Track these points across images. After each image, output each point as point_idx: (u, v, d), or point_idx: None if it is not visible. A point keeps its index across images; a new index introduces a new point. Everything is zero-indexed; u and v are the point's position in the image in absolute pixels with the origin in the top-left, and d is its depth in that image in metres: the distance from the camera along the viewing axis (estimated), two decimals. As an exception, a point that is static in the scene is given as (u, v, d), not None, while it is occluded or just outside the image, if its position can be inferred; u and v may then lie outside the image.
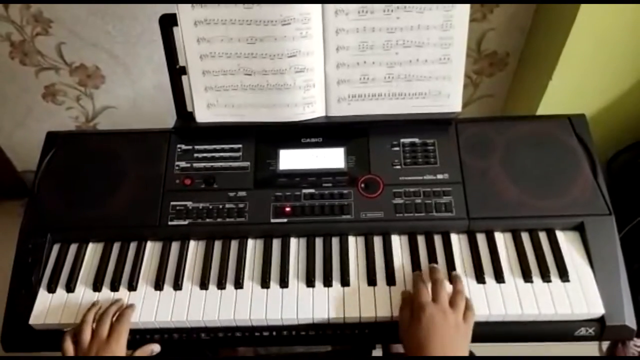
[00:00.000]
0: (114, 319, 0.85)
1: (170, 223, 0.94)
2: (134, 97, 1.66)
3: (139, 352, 0.87)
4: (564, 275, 0.87)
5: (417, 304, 0.81)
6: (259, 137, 1.00)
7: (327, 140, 0.99)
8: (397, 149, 0.98)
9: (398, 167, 0.96)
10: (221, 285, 0.89)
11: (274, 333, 0.88)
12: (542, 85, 1.38)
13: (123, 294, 0.90)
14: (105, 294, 0.90)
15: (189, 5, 0.88)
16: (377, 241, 0.93)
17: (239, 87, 0.95)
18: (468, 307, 0.82)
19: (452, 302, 0.81)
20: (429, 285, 0.84)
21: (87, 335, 0.82)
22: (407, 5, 0.89)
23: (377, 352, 1.30)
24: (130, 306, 0.87)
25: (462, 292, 0.83)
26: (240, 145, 0.99)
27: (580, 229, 0.91)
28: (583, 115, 0.99)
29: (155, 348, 0.88)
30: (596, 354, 1.60)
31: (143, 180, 0.97)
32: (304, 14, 0.88)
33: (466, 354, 0.79)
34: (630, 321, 0.85)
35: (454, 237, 0.93)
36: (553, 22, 1.33)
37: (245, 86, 0.95)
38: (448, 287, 0.84)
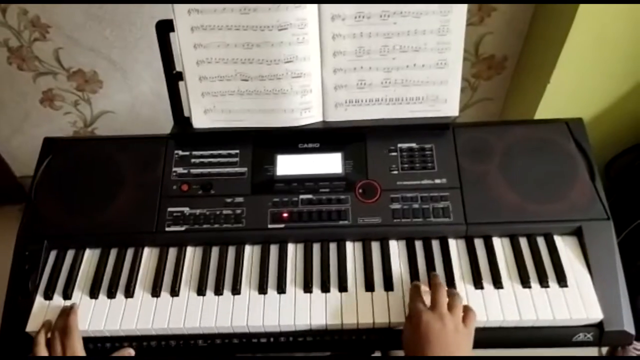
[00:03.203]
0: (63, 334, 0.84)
1: (167, 229, 0.93)
2: (132, 102, 1.66)
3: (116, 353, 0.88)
4: (562, 280, 0.87)
5: (413, 313, 0.81)
6: (256, 142, 1.00)
7: (325, 145, 0.99)
8: (394, 153, 0.97)
9: (395, 172, 0.96)
10: (218, 291, 0.89)
11: (272, 339, 0.88)
12: (540, 88, 1.38)
13: (120, 300, 0.90)
14: (102, 300, 0.90)
15: (186, 11, 0.88)
16: (375, 247, 0.93)
17: (236, 93, 0.95)
18: (468, 308, 0.82)
19: (450, 306, 0.81)
20: (427, 295, 0.84)
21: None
22: (404, 10, 0.89)
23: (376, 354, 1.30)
24: (72, 313, 0.86)
25: (458, 295, 0.83)
26: (237, 151, 0.99)
27: (578, 233, 0.91)
28: (580, 119, 0.99)
29: (127, 352, 0.88)
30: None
31: (140, 186, 0.97)
32: (300, 20, 0.88)
33: (469, 354, 0.79)
34: (629, 326, 0.84)
35: (451, 243, 0.93)
36: (551, 25, 1.33)
37: (242, 92, 0.95)
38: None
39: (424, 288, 0.86)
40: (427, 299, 0.83)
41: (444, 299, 0.82)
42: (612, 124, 1.48)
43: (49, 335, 0.86)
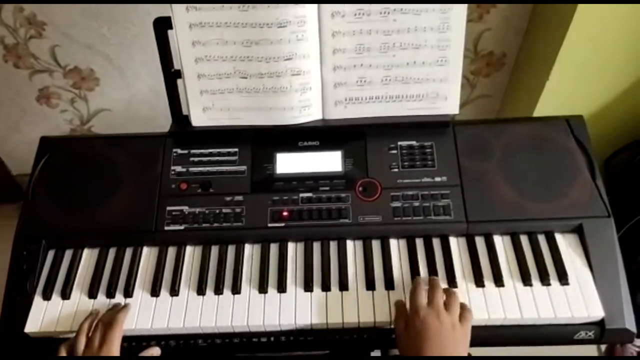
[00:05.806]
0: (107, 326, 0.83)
1: (166, 228, 0.93)
2: (128, 100, 1.65)
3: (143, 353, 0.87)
4: (563, 278, 0.86)
5: (411, 307, 0.81)
6: (256, 140, 0.99)
7: (324, 143, 0.98)
8: (394, 151, 0.97)
9: (396, 170, 0.96)
10: (218, 290, 0.88)
11: (272, 339, 0.87)
12: (539, 85, 1.38)
13: (119, 300, 0.89)
14: (101, 300, 0.89)
15: (184, 8, 0.87)
16: (376, 245, 0.92)
17: (235, 91, 0.94)
18: (464, 307, 0.82)
19: (447, 304, 0.81)
20: (426, 290, 0.84)
21: (81, 345, 0.81)
22: (404, 7, 0.88)
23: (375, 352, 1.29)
24: (123, 310, 0.85)
25: (455, 294, 0.83)
26: (236, 149, 0.99)
27: (579, 231, 0.91)
28: (581, 116, 0.99)
29: (156, 351, 0.88)
30: (594, 354, 1.60)
31: (138, 185, 0.96)
32: (300, 17, 0.88)
33: (465, 354, 0.79)
34: (630, 324, 0.84)
35: (452, 241, 0.92)
36: (550, 22, 1.33)
37: (241, 89, 0.94)
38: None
39: (425, 286, 0.86)
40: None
41: (440, 297, 0.82)
42: (611, 121, 1.48)
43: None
